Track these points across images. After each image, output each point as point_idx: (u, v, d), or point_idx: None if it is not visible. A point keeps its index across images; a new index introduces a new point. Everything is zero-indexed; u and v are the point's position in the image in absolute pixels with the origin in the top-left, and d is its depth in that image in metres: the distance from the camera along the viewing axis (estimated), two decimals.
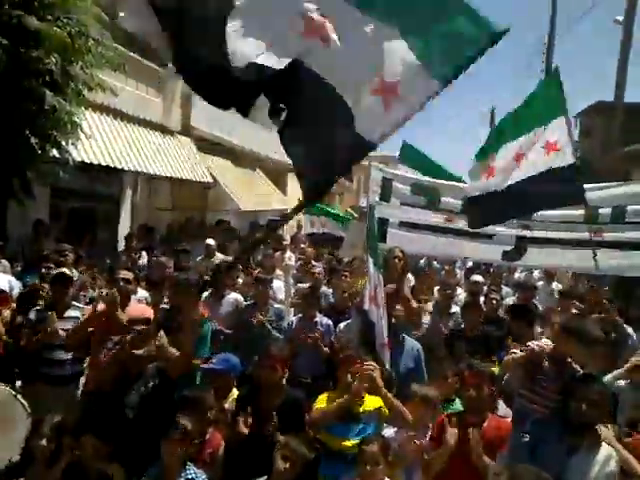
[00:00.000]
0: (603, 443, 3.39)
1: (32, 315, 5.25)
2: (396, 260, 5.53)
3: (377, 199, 6.65)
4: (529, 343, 3.92)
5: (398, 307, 5.29)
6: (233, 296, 6.58)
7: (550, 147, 5.26)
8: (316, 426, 4.00)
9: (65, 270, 5.43)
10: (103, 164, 9.71)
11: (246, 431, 3.99)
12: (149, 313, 5.41)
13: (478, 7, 3.20)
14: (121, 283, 5.34)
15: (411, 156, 8.78)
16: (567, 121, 5.29)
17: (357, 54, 3.29)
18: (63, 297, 5.25)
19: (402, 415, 3.88)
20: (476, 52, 3.18)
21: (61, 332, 5.02)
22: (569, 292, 8.13)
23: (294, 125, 3.51)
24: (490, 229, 6.38)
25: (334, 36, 3.27)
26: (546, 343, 3.85)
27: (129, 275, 5.59)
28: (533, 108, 5.43)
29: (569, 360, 3.64)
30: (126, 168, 10.84)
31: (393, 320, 5.13)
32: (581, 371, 3.70)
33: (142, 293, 6.48)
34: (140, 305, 5.76)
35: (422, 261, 11.10)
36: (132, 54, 11.22)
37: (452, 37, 3.19)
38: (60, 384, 5.05)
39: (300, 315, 6.15)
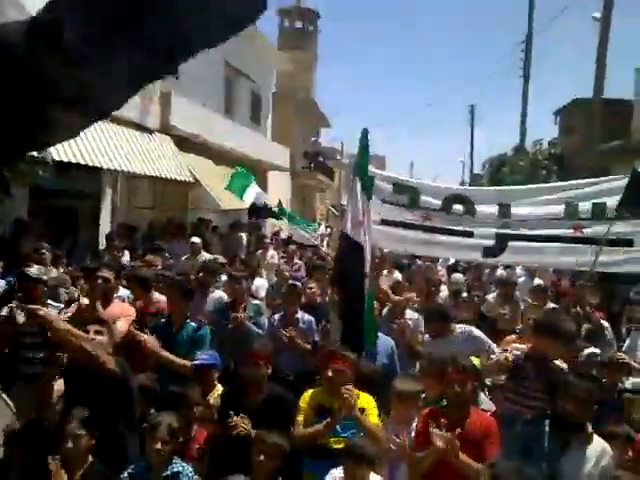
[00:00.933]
0: (596, 437, 3.39)
1: (3, 312, 5.23)
2: (375, 260, 5.54)
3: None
4: (507, 348, 3.93)
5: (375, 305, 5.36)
6: (217, 294, 6.66)
7: None
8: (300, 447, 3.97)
9: (31, 269, 5.30)
10: (82, 163, 9.60)
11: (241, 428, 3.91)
12: (131, 312, 5.41)
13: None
14: (99, 281, 5.29)
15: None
16: None
17: None
18: (32, 295, 5.10)
19: (374, 437, 3.79)
20: None
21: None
22: (543, 288, 8.24)
23: None
24: (470, 226, 6.45)
25: None
26: (518, 347, 3.88)
27: (108, 274, 5.51)
28: None
29: (549, 359, 3.66)
30: (105, 167, 10.73)
31: None
32: (564, 366, 3.71)
33: (123, 291, 6.43)
34: (122, 304, 5.72)
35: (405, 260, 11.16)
36: None
37: None
38: (38, 382, 5.00)
39: (281, 312, 6.19)
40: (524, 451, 3.39)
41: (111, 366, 3.75)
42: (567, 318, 4.12)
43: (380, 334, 5.35)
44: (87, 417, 3.49)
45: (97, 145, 10.61)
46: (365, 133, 5.72)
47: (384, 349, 5.30)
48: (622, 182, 5.99)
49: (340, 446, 3.74)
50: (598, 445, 3.36)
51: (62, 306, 5.50)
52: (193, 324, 5.22)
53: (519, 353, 3.75)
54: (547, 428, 3.41)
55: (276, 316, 6.21)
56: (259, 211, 14.00)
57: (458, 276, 8.88)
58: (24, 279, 5.22)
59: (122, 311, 5.36)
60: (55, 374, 4.86)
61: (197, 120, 14.82)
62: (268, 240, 13.92)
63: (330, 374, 4.03)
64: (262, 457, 3.42)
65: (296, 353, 5.72)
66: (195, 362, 4.81)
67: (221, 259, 8.73)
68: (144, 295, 5.81)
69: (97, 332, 3.95)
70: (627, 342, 6.48)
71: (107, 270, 5.57)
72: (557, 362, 3.89)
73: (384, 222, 6.76)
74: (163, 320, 5.33)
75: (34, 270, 5.30)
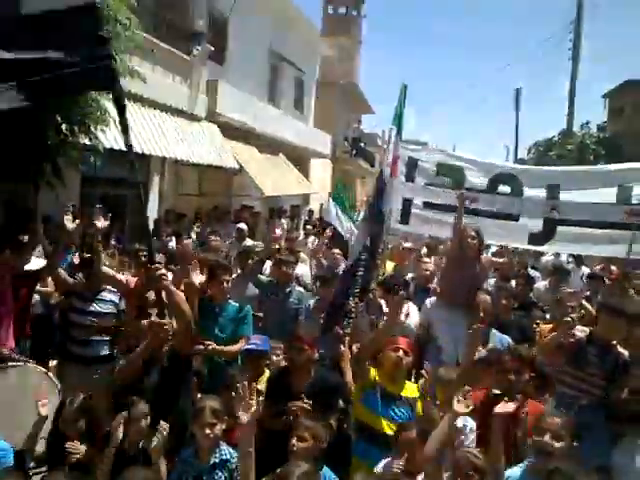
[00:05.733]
0: None
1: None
2: (469, 241, 5.34)
3: (403, 179, 6.63)
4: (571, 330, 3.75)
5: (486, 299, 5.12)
6: (262, 279, 6.66)
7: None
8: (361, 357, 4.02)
9: (90, 255, 5.44)
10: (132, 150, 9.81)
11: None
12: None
13: None
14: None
15: None
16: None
17: None
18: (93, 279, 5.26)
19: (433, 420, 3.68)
20: None
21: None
22: (598, 275, 7.98)
23: None
24: (517, 210, 6.29)
25: None
26: (582, 329, 3.74)
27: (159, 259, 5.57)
28: None
29: (613, 343, 3.54)
30: (154, 154, 10.97)
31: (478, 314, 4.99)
32: (626, 353, 3.59)
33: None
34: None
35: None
36: (158, 42, 11.30)
37: None
38: (90, 364, 5.10)
39: (317, 297, 6.15)
40: (577, 438, 3.24)
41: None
42: (633, 299, 3.98)
43: (495, 332, 5.10)
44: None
45: (146, 133, 10.86)
46: (403, 88, 6.32)
47: (499, 346, 4.93)
48: None
49: (390, 431, 3.74)
50: None
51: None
52: (235, 304, 5.25)
53: (581, 336, 3.65)
54: (603, 416, 3.33)
55: (311, 301, 6.14)
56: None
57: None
58: (86, 265, 5.37)
59: None
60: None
61: (242, 108, 14.97)
62: (310, 227, 14.01)
63: (399, 355, 3.97)
64: (294, 440, 3.39)
65: (332, 337, 5.58)
66: (247, 347, 4.89)
67: (261, 245, 8.80)
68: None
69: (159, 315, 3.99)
70: None
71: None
72: (620, 348, 3.74)
73: (427, 205, 6.66)
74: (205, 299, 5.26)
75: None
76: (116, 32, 6.18)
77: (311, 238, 12.58)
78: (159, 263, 5.36)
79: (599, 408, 3.37)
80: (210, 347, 4.80)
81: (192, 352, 4.05)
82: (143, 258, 5.34)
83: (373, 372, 4.13)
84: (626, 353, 3.63)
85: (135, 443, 3.49)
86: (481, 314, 4.90)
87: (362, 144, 31.99)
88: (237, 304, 5.29)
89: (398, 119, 6.31)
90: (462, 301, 5.19)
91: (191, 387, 4.09)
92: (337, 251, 8.35)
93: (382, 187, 5.94)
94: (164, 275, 3.82)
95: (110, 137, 8.86)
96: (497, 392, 3.83)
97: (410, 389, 4.07)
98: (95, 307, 5.24)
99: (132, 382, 3.84)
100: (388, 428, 3.86)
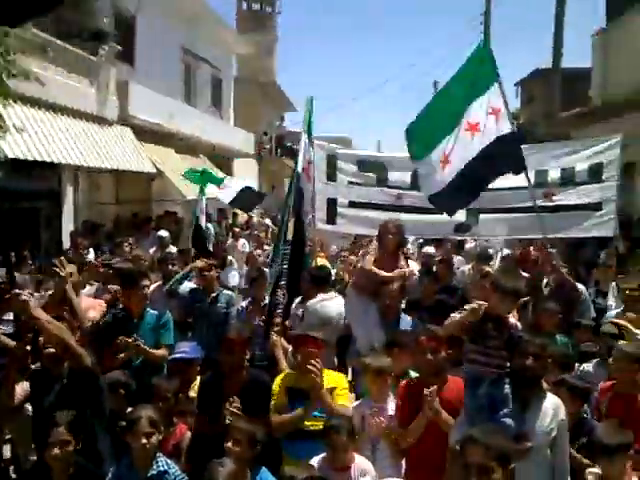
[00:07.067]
0: (549, 393, 3.53)
1: None
2: (390, 236, 5.34)
3: (325, 180, 6.56)
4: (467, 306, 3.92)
5: (394, 287, 5.19)
6: (186, 285, 6.62)
7: (495, 112, 5.30)
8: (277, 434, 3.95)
9: None
10: (39, 159, 9.27)
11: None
12: (101, 303, 5.60)
13: None
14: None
15: None
16: (501, 87, 5.36)
17: None
18: None
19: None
20: None
21: None
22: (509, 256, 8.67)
23: None
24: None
25: None
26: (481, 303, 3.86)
27: (71, 268, 5.33)
28: (466, 80, 5.38)
29: (506, 316, 3.65)
30: (64, 162, 10.41)
31: (387, 302, 5.12)
32: (518, 324, 3.83)
33: (89, 290, 6.44)
34: (90, 299, 5.76)
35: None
36: (58, 42, 10.70)
37: None
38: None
39: (250, 299, 6.11)
40: (491, 412, 3.41)
41: (87, 360, 3.69)
42: (513, 275, 4.09)
43: (402, 314, 5.28)
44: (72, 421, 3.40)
45: (53, 140, 10.28)
46: (309, 101, 6.43)
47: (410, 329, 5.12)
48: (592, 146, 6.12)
49: (316, 427, 3.73)
50: (553, 400, 3.49)
51: None
52: (153, 312, 5.09)
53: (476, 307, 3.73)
54: (508, 387, 3.46)
55: (244, 303, 6.10)
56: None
57: (430, 250, 8.88)
58: None
59: (92, 303, 5.48)
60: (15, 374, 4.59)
61: (156, 108, 14.47)
62: (237, 229, 13.89)
63: (300, 357, 4.00)
64: (230, 444, 3.34)
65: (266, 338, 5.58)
66: (175, 356, 4.78)
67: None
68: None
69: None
70: None
71: (69, 264, 5.40)
72: (512, 320, 3.91)
73: (352, 205, 6.62)
74: (120, 311, 5.12)
75: None
76: (3, 30, 5.70)
77: (241, 241, 12.52)
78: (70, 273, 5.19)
79: (504, 378, 3.48)
80: (136, 343, 4.67)
81: (92, 364, 3.81)
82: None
83: (281, 376, 4.22)
84: (519, 324, 3.90)
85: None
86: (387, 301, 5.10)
87: (290, 143, 31.55)
88: (156, 312, 5.13)
89: (308, 128, 6.30)
90: (372, 292, 5.25)
91: (104, 407, 3.86)
92: (259, 252, 8.35)
93: (300, 188, 5.98)
94: (24, 301, 3.61)
95: (13, 145, 8.33)
96: (416, 374, 4.00)
97: (328, 380, 4.03)
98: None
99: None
100: (310, 424, 3.86)
